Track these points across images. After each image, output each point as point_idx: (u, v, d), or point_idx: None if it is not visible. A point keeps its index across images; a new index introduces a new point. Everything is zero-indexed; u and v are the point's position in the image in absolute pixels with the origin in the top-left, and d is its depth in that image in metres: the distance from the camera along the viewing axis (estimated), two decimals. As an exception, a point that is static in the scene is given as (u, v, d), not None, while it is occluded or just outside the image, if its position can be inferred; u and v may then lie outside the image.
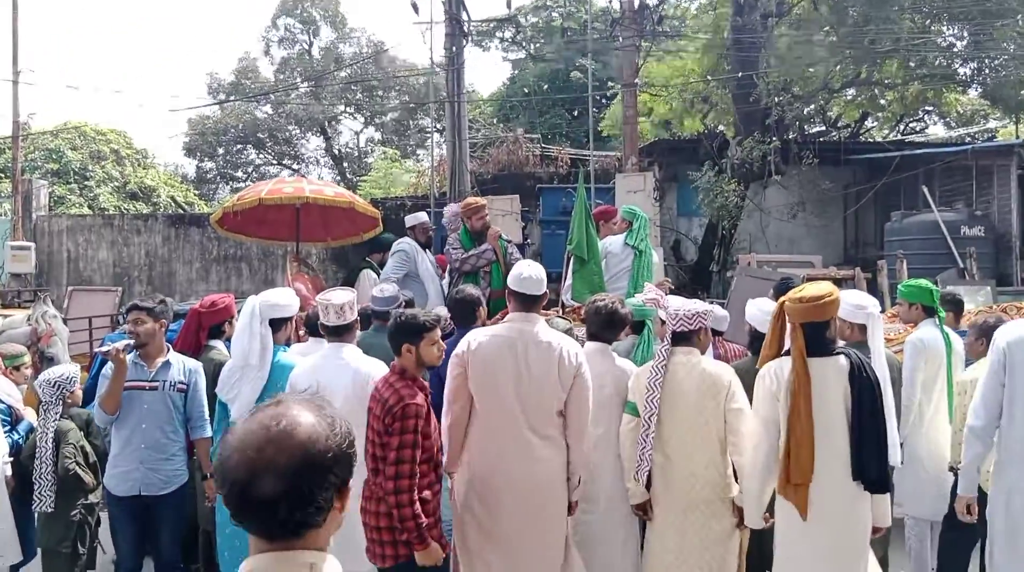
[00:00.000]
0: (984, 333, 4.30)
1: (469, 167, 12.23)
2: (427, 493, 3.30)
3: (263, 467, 1.24)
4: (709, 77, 13.32)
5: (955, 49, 12.46)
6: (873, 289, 8.44)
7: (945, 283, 7.47)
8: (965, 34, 12.23)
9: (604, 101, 20.45)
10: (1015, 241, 10.47)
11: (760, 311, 4.20)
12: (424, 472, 3.29)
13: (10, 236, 12.89)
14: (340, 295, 4.00)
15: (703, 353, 3.83)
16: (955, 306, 5.24)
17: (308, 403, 1.34)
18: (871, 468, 3.22)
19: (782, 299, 3.43)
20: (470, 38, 12.19)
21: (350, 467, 1.34)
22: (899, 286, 5.00)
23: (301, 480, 1.25)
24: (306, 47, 28.06)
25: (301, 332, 5.16)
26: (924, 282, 4.79)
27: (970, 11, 11.21)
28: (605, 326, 3.99)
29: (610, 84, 18.17)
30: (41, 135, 19.71)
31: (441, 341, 3.53)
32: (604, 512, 3.82)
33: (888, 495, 3.39)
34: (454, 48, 11.51)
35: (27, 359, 4.99)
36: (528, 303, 3.67)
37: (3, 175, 18.67)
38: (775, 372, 3.36)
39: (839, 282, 8.34)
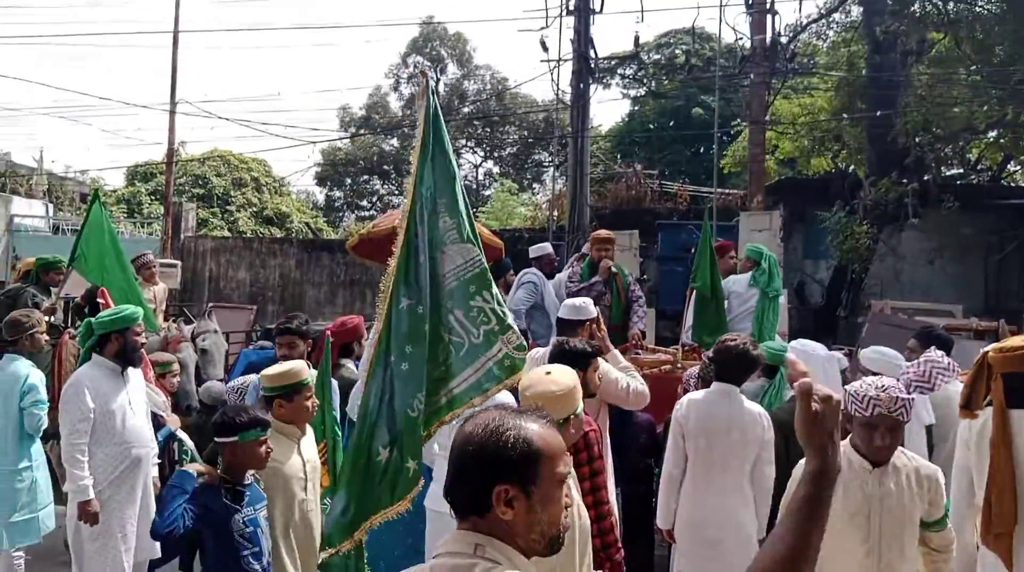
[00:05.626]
0: None
1: (588, 201, 12.31)
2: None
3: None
4: (845, 115, 12.90)
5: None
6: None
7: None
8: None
9: (725, 138, 20.15)
10: None
11: (882, 356, 4.19)
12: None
13: (160, 254, 13.91)
14: None
15: None
16: None
17: (504, 410, 1.57)
18: None
19: (985, 350, 3.48)
20: (595, 75, 12.31)
21: (491, 470, 1.48)
22: None
23: (453, 463, 1.52)
24: (433, 83, 29.13)
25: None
26: None
27: None
28: (735, 367, 3.90)
29: (733, 122, 17.89)
30: (189, 162, 21.30)
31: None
32: (730, 558, 3.71)
33: None
34: (581, 85, 11.66)
35: (176, 367, 5.30)
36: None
37: (155, 198, 20.23)
38: (969, 420, 3.45)
39: (981, 334, 7.82)
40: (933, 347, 4.52)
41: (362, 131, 27.25)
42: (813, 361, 4.15)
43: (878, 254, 11.21)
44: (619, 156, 22.81)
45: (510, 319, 3.28)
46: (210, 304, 9.22)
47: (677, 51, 24.27)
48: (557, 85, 12.57)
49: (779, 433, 3.92)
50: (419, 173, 3.34)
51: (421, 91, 3.54)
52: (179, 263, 13.19)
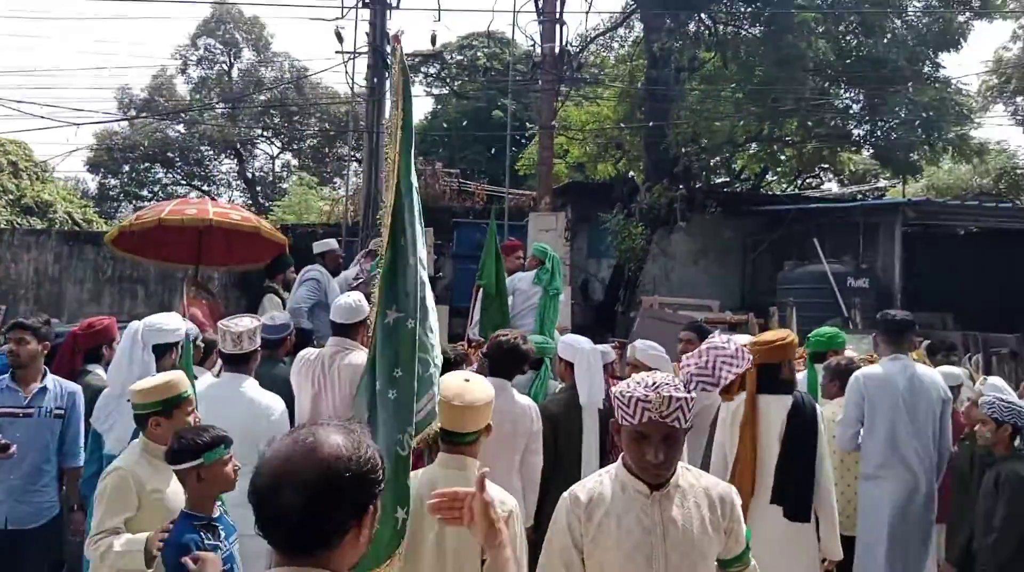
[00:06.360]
0: (838, 375, 4.68)
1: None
2: None
3: (284, 476, 1.32)
4: (623, 124, 13.75)
5: (851, 111, 13.28)
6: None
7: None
8: (861, 98, 13.06)
9: (523, 141, 20.80)
10: (897, 293, 11.05)
11: (652, 349, 4.71)
12: None
13: None
14: (241, 322, 3.85)
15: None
16: None
17: (342, 426, 1.43)
18: (787, 496, 3.68)
19: (743, 343, 3.95)
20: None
21: (370, 492, 1.39)
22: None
23: (316, 493, 1.32)
24: (226, 68, 27.51)
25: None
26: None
27: (867, 77, 11.99)
28: (506, 362, 4.02)
29: (529, 125, 18.51)
30: (-70, 142, 18.58)
31: None
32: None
33: (836, 528, 3.77)
34: (375, 79, 11.51)
35: None
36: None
37: None
38: (727, 402, 3.95)
39: (733, 327, 8.67)
40: (718, 330, 4.67)
41: (143, 114, 25.12)
42: (579, 354, 4.35)
43: (651, 254, 12.02)
44: (417, 154, 22.78)
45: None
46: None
47: (479, 53, 24.70)
48: (352, 78, 12.33)
49: (547, 424, 4.10)
50: (403, 160, 2.92)
51: (397, 60, 3.05)
52: (-91, 257, 11.49)
